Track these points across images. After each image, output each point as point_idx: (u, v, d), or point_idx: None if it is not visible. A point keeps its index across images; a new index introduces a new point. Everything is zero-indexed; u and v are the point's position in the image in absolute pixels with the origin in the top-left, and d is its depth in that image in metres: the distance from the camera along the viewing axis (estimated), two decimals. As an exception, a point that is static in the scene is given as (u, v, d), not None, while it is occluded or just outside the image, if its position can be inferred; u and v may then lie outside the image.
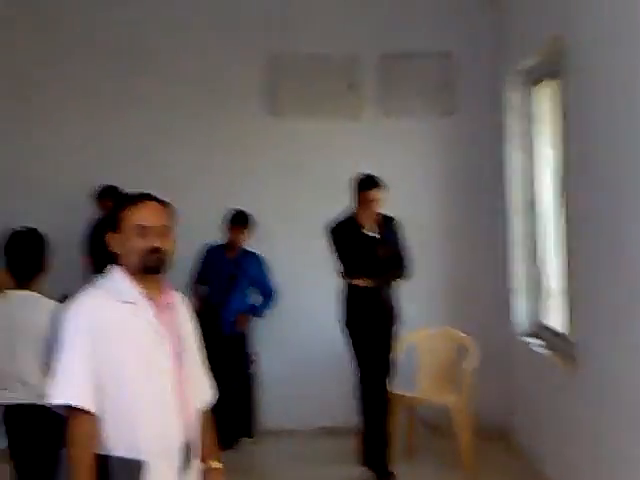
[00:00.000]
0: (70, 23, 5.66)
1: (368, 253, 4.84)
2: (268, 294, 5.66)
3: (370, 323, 4.92)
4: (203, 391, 2.62)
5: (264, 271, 5.66)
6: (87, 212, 5.53)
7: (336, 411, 5.59)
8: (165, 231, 2.46)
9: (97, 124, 5.67)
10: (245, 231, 5.58)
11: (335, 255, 4.99)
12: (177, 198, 4.13)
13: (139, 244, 2.41)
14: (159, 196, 2.53)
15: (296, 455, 5.48)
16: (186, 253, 5.16)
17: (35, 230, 3.64)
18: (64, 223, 5.32)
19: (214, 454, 2.64)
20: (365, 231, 4.90)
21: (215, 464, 2.61)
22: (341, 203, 4.97)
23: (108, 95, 5.71)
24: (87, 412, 2.35)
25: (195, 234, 5.33)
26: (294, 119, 5.78)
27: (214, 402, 2.66)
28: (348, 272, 4.94)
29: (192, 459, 2.51)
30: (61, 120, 5.66)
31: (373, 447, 4.92)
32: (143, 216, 2.44)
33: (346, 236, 4.91)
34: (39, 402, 2.55)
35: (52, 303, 3.36)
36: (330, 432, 5.65)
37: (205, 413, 2.62)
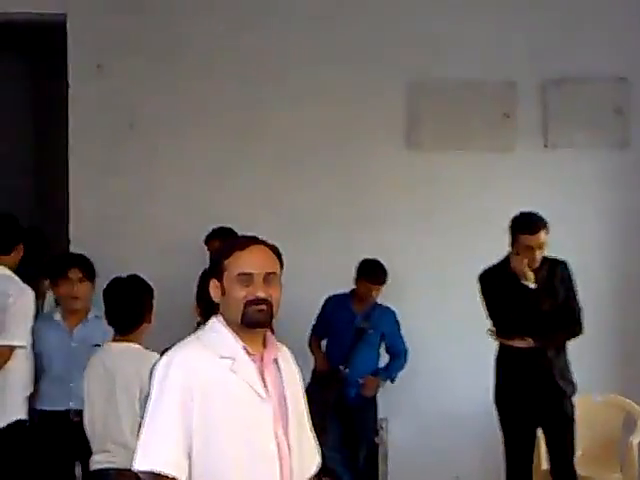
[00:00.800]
0: (192, 51, 5.71)
1: (526, 307, 4.58)
2: (398, 353, 5.59)
3: (526, 396, 4.62)
4: (309, 459, 2.61)
5: (397, 327, 5.60)
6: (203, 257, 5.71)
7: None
8: (272, 279, 2.47)
9: (219, 159, 5.69)
10: (381, 288, 5.49)
11: (486, 309, 4.82)
12: (296, 245, 4.41)
13: (241, 294, 2.43)
14: (269, 240, 2.59)
15: None
16: (304, 304, 5.22)
17: (137, 277, 3.85)
18: (177, 269, 5.35)
19: None
20: (524, 281, 4.61)
21: None
22: (493, 249, 4.84)
23: (231, 127, 5.71)
24: None
25: (317, 284, 5.42)
26: (437, 153, 5.71)
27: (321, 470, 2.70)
28: (501, 330, 4.80)
29: None
30: (180, 154, 5.69)
31: None
32: (247, 262, 2.45)
33: (499, 286, 4.70)
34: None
35: (155, 357, 3.36)
36: None
37: None
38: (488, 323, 4.81)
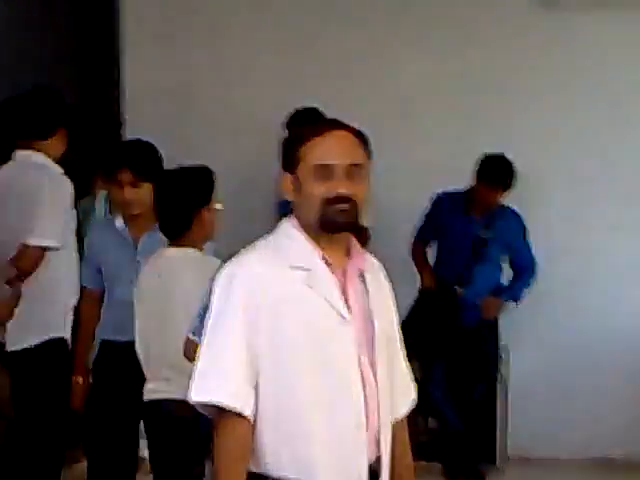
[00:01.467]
0: None
1: None
2: (526, 268, 5.35)
3: None
4: (402, 393, 2.48)
5: (524, 236, 5.37)
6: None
7: (618, 438, 5.44)
8: (357, 172, 2.30)
9: (306, 22, 5.61)
10: (502, 191, 5.23)
11: None
12: (394, 132, 4.45)
13: (319, 190, 2.27)
14: (358, 125, 2.39)
15: None
16: (407, 209, 5.28)
17: (191, 168, 3.55)
18: (254, 157, 5.33)
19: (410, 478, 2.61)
20: None
21: None
22: None
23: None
24: (241, 416, 2.25)
25: (424, 183, 5.30)
26: (582, 15, 5.47)
27: (420, 409, 2.63)
28: None
29: None
30: (253, 20, 5.58)
31: None
32: (326, 151, 2.28)
33: None
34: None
35: (217, 264, 3.08)
36: (606, 466, 5.45)
37: (402, 425, 2.50)
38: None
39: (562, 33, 5.54)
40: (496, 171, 5.19)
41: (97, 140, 5.46)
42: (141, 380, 3.55)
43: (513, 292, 5.37)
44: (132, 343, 3.57)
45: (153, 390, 3.51)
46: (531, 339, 5.56)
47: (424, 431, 4.96)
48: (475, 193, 5.31)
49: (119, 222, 3.86)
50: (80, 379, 3.96)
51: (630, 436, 5.38)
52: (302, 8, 5.60)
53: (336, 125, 2.37)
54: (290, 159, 2.33)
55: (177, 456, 3.37)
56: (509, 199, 5.33)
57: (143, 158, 3.84)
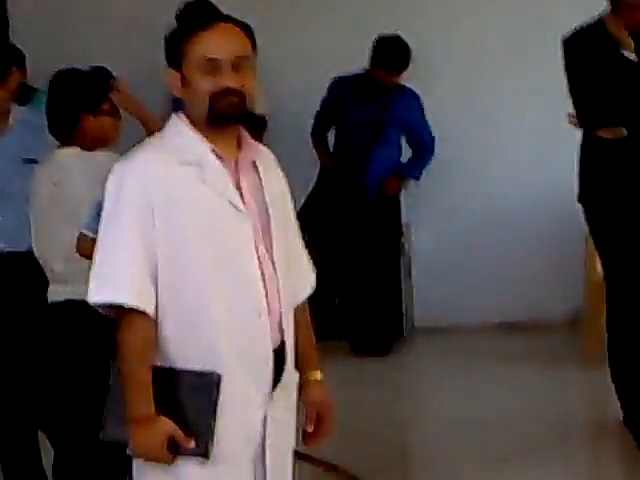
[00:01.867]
0: None
1: (627, 86, 4.15)
2: (424, 146, 5.47)
3: (628, 197, 4.25)
4: (301, 279, 2.51)
5: (421, 114, 5.43)
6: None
7: (522, 303, 5.61)
8: (243, 65, 2.28)
9: None
10: (398, 71, 5.29)
11: (570, 87, 4.33)
12: (300, 20, 4.57)
13: (206, 84, 2.24)
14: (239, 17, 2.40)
15: (462, 356, 5.39)
16: (310, 95, 5.34)
17: (95, 71, 3.52)
18: (144, 55, 5.08)
19: (314, 362, 2.54)
20: (624, 51, 4.18)
21: (315, 375, 2.54)
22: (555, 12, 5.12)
23: None
24: (142, 313, 2.24)
25: (323, 69, 5.33)
26: None
27: (322, 290, 2.63)
28: (591, 117, 4.38)
29: (286, 370, 2.44)
30: None
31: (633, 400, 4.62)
32: (211, 45, 2.26)
33: (591, 56, 4.19)
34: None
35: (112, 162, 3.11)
36: (508, 329, 5.64)
37: (303, 307, 2.52)
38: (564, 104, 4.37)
39: None
40: (392, 53, 5.23)
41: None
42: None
43: (413, 170, 5.47)
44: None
45: (57, 292, 3.48)
46: (434, 212, 5.62)
47: (329, 310, 5.02)
48: (372, 75, 5.34)
49: None
50: None
51: (533, 300, 5.54)
52: None
53: (219, 18, 2.38)
54: (175, 54, 2.30)
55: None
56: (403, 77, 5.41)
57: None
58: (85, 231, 2.99)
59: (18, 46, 4.42)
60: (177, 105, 2.68)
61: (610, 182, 4.24)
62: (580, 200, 4.44)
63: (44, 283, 3.51)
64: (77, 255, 3.17)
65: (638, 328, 4.33)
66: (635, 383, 4.38)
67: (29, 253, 3.50)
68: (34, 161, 3.52)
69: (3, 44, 4.80)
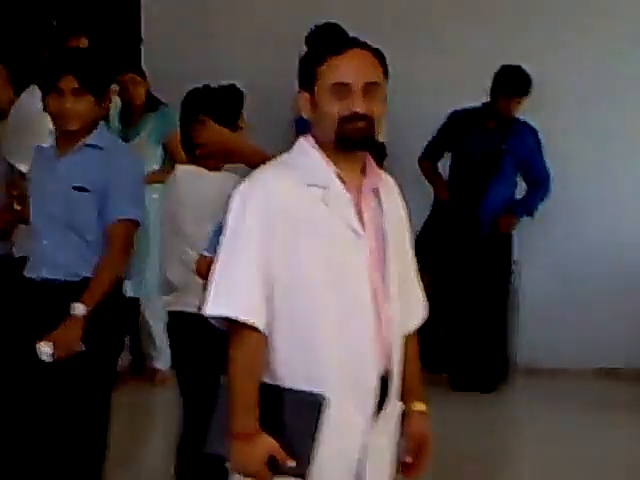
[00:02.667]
0: None
1: None
2: (541, 182, 5.42)
3: None
4: (412, 308, 2.54)
5: (538, 149, 5.42)
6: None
7: (623, 349, 5.63)
8: (373, 91, 2.32)
9: None
10: (522, 100, 5.33)
11: None
12: (418, 45, 4.62)
13: (335, 108, 2.28)
14: (373, 41, 2.41)
15: (561, 402, 5.37)
16: (426, 123, 5.39)
17: (229, 88, 3.60)
18: (274, 72, 5.31)
19: (418, 393, 2.59)
20: None
21: (419, 406, 2.55)
22: None
23: None
24: (254, 329, 2.30)
25: (442, 97, 5.37)
26: None
27: (431, 322, 2.66)
28: None
29: (390, 398, 2.45)
30: None
31: None
32: (343, 70, 2.31)
33: None
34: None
35: (235, 181, 3.12)
36: (610, 375, 5.67)
37: (412, 338, 2.55)
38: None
39: None
40: (513, 80, 5.25)
41: (117, 60, 5.50)
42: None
43: (528, 207, 5.47)
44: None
45: (170, 303, 3.59)
46: (546, 250, 5.60)
47: (433, 343, 4.95)
48: (492, 105, 5.37)
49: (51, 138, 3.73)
50: None
51: (634, 347, 5.59)
52: None
53: (353, 44, 2.39)
54: (307, 77, 2.35)
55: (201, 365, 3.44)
56: (524, 112, 5.47)
57: (89, 66, 3.44)
58: (205, 253, 3.06)
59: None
60: (301, 126, 2.74)
61: None
62: None
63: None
64: (192, 269, 3.26)
65: None
66: None
67: (66, 282, 3.35)
68: (84, 189, 3.30)
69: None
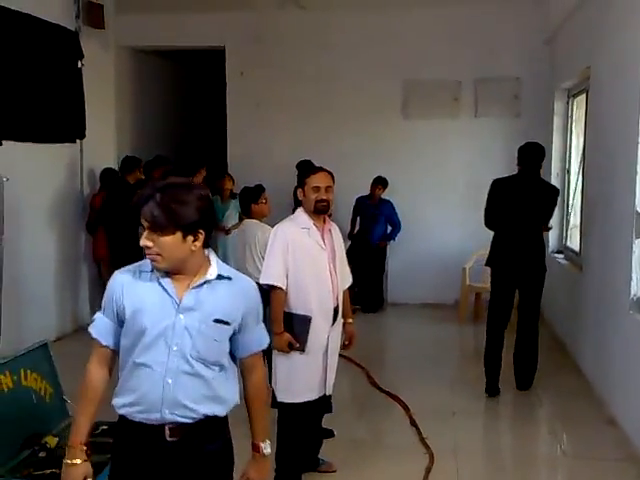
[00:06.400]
0: (290, 62, 8.10)
1: None
2: (396, 225, 7.42)
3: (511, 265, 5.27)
4: (346, 279, 3.38)
5: (394, 211, 7.32)
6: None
7: (434, 290, 8.19)
8: (329, 189, 3.18)
9: (300, 125, 8.22)
10: (383, 188, 7.35)
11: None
12: (343, 169, 5.57)
13: (314, 196, 3.17)
14: (329, 167, 3.42)
15: (409, 317, 7.71)
16: (348, 201, 7.54)
17: (246, 187, 5.18)
18: (283, 180, 7.68)
19: (349, 313, 3.45)
20: None
21: (350, 320, 3.40)
22: (446, 172, 7.40)
23: (313, 105, 8.18)
24: (280, 288, 3.12)
25: (352, 190, 7.60)
26: (419, 120, 8.01)
27: (353, 284, 3.65)
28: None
29: (338, 317, 3.28)
30: (283, 121, 8.55)
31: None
32: (317, 180, 3.15)
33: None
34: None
35: (270, 228, 4.00)
36: (427, 305, 8.20)
37: (346, 291, 3.36)
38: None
39: (412, 130, 9.40)
40: (380, 180, 8.21)
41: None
42: None
43: (392, 235, 7.56)
44: None
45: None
46: (396, 254, 8.48)
47: (353, 292, 6.67)
48: (371, 192, 7.92)
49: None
50: None
51: (443, 289, 8.94)
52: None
53: (322, 169, 3.29)
54: (302, 183, 3.21)
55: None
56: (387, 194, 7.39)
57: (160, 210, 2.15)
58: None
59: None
60: (297, 203, 3.74)
61: None
62: None
63: None
64: (258, 266, 4.42)
65: None
66: None
67: None
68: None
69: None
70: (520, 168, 4.96)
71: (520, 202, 4.81)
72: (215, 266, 1.99)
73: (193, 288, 1.92)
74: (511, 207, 4.83)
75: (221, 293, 1.97)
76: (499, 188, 5.00)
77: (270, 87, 7.89)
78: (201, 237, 1.95)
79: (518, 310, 4.98)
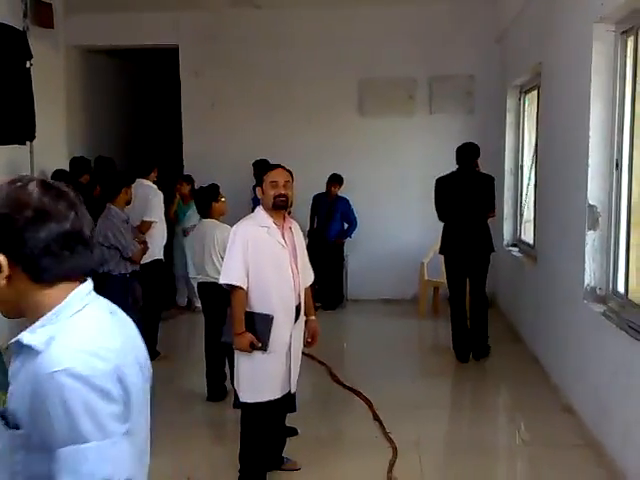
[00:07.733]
0: (245, 60, 8.15)
1: None
2: (351, 222, 7.32)
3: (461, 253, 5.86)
4: (307, 276, 3.34)
5: (350, 208, 7.23)
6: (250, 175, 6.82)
7: (393, 289, 8.15)
8: (287, 184, 3.13)
9: (260, 125, 8.37)
10: (338, 186, 7.23)
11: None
12: (301, 167, 5.54)
13: (272, 192, 3.12)
14: (286, 165, 3.38)
15: (369, 313, 7.66)
16: (306, 199, 7.47)
17: (210, 185, 5.11)
18: (240, 179, 7.76)
19: (312, 311, 3.44)
20: None
21: (312, 317, 3.40)
22: (402, 169, 7.29)
23: (267, 103, 8.22)
24: (240, 288, 3.06)
25: (310, 188, 7.46)
26: (375, 118, 7.92)
27: (314, 281, 3.63)
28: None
29: (300, 314, 3.30)
30: (238, 118, 8.39)
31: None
32: (275, 175, 3.10)
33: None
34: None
35: (229, 227, 3.93)
36: (385, 301, 8.16)
37: (308, 288, 3.35)
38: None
39: (368, 127, 8.99)
40: (336, 177, 8.00)
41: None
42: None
43: (347, 233, 7.40)
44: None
45: (198, 277, 4.83)
46: (360, 251, 8.45)
47: (314, 289, 6.36)
48: (328, 189, 7.81)
49: None
50: None
51: (399, 287, 9.22)
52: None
53: (278, 166, 3.25)
54: (260, 179, 3.18)
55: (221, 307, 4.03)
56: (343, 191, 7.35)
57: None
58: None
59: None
60: (256, 201, 3.68)
61: None
62: None
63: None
64: (218, 266, 4.40)
65: None
66: None
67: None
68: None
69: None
70: (459, 165, 5.46)
71: (461, 194, 5.39)
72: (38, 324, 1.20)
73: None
74: (454, 199, 5.39)
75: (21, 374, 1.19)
76: (442, 185, 5.53)
77: (225, 86, 7.75)
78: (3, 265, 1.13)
79: (469, 285, 5.71)
